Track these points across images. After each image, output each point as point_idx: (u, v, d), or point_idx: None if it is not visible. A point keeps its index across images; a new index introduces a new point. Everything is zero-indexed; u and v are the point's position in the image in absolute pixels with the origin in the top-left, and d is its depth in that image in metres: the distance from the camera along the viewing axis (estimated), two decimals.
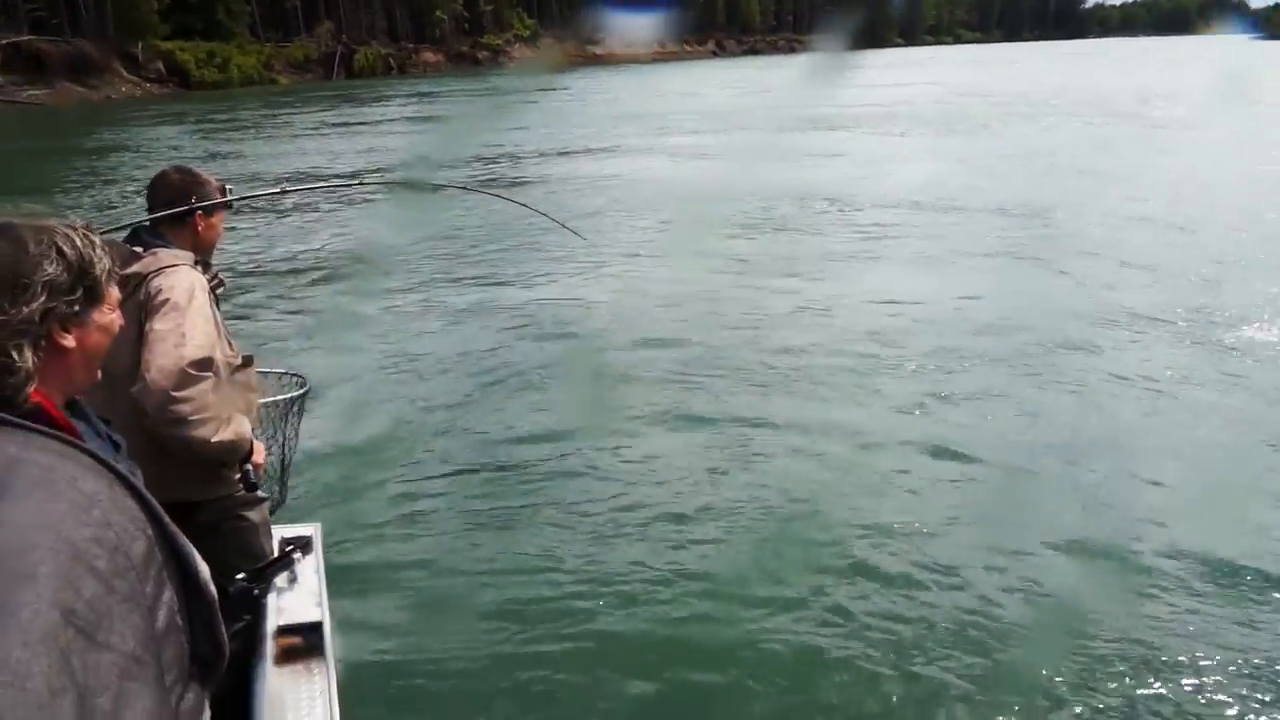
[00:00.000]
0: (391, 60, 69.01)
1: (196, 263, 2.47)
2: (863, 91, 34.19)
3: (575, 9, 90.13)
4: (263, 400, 2.89)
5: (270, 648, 2.32)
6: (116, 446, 1.32)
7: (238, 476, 2.40)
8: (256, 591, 2.31)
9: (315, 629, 2.38)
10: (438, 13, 76.10)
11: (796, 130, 23.46)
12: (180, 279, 2.34)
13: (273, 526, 2.76)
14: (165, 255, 2.40)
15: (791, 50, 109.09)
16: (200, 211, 2.54)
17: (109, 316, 1.23)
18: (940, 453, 5.30)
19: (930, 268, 9.67)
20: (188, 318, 2.26)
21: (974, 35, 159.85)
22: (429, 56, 73.13)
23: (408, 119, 31.36)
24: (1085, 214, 12.08)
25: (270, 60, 61.13)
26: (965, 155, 18.36)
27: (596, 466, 5.24)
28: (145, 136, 28.36)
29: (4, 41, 43.94)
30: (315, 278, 10.18)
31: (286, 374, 3.30)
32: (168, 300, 2.28)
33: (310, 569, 2.59)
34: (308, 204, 14.36)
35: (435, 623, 3.79)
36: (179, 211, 2.52)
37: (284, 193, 3.52)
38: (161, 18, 55.39)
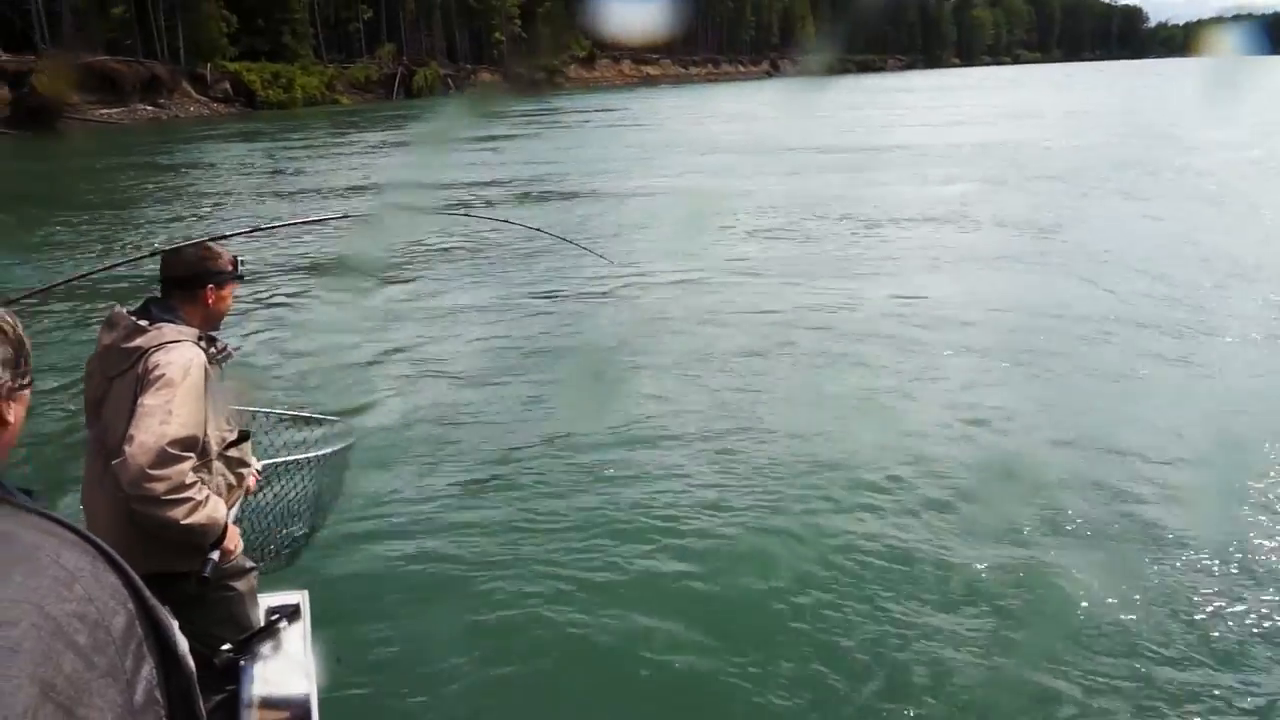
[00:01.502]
0: (450, 80, 70.20)
1: (201, 338, 2.49)
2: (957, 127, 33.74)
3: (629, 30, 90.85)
4: (302, 455, 2.94)
5: None
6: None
7: (204, 562, 2.36)
8: (242, 663, 2.32)
9: (302, 703, 2.33)
10: (496, 34, 77.30)
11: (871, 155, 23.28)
12: (179, 355, 2.36)
13: (259, 595, 2.71)
14: (169, 331, 2.42)
15: (845, 71, 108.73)
16: (212, 285, 2.57)
17: (28, 398, 1.23)
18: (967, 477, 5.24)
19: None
20: (178, 396, 2.30)
21: (1033, 55, 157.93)
22: (486, 76, 74.27)
23: (468, 140, 31.77)
24: None
25: (333, 81, 62.54)
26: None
27: (601, 518, 4.96)
28: (215, 154, 29.15)
29: (80, 62, 45.51)
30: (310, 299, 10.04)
31: (325, 419, 3.30)
32: (162, 376, 2.31)
33: (297, 638, 2.54)
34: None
35: (430, 696, 3.61)
36: (189, 283, 2.55)
37: (304, 223, 3.55)
38: (230, 40, 57.08)
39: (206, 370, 2.43)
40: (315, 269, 11.64)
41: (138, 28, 52.47)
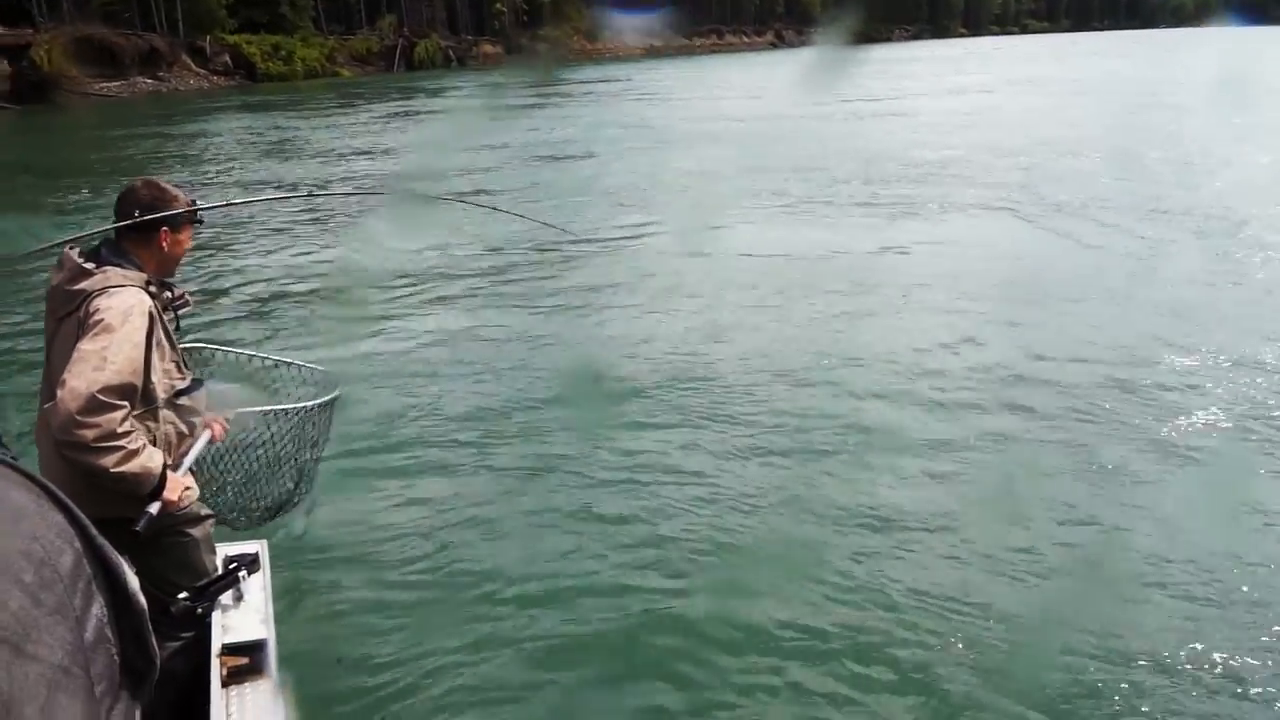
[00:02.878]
0: (451, 53, 69.55)
1: (149, 283, 2.43)
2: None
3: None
4: (284, 405, 2.84)
5: (216, 667, 2.31)
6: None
7: (141, 514, 2.31)
8: (200, 610, 2.31)
9: (261, 648, 2.36)
10: (497, 5, 76.57)
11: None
12: (120, 300, 2.31)
13: (217, 544, 2.71)
14: (115, 274, 2.37)
15: (854, 42, 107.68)
16: (166, 227, 2.51)
17: None
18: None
19: None
20: (114, 341, 2.25)
21: (1041, 25, 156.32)
22: (488, 49, 73.58)
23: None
24: None
25: (333, 53, 61.99)
26: None
27: (565, 474, 5.02)
28: (217, 125, 28.98)
29: (78, 35, 45.14)
30: (298, 284, 9.92)
31: (306, 367, 3.15)
32: (101, 321, 2.27)
33: (257, 587, 2.56)
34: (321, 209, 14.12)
35: (386, 641, 3.65)
36: (144, 223, 2.47)
37: (303, 196, 3.44)
38: (228, 12, 56.57)
39: (154, 315, 2.38)
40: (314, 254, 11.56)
41: (135, 0, 51.99)
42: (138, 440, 2.28)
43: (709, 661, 3.55)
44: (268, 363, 3.09)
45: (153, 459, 2.32)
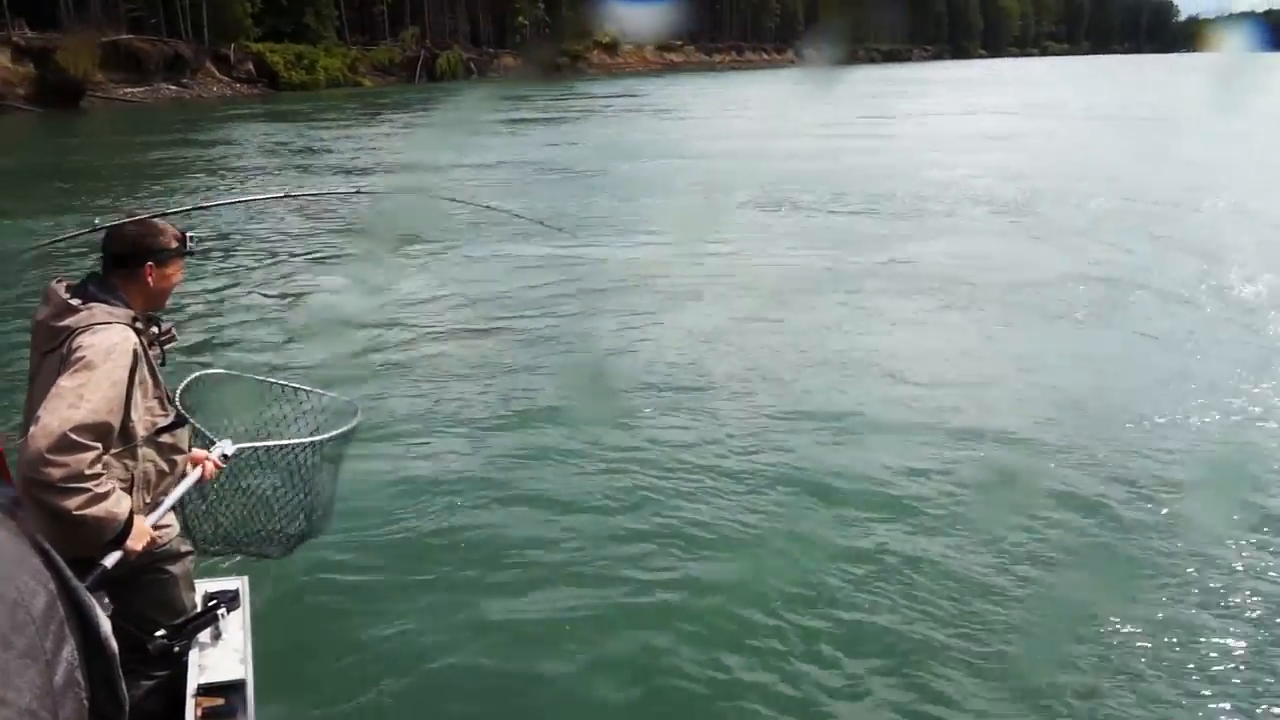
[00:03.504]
0: (472, 64, 70.12)
1: (136, 319, 2.39)
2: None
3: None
4: (289, 440, 2.68)
5: (191, 708, 2.25)
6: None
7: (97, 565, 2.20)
8: (176, 648, 2.26)
9: (238, 688, 2.31)
10: (519, 18, 77.15)
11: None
12: (104, 338, 2.28)
13: (198, 580, 2.64)
14: (99, 312, 2.33)
15: (871, 61, 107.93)
16: (152, 263, 2.46)
17: None
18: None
19: None
20: (93, 379, 2.21)
21: (1061, 47, 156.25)
22: (509, 61, 74.14)
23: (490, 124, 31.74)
24: None
25: (355, 63, 62.59)
26: None
27: (542, 517, 4.80)
28: (238, 132, 29.25)
29: (104, 40, 45.72)
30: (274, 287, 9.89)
31: (326, 395, 2.95)
32: (83, 358, 2.23)
33: (236, 625, 2.49)
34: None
35: (371, 685, 3.53)
36: (129, 257, 2.44)
37: (286, 196, 3.36)
38: (254, 21, 57.21)
39: (138, 353, 2.34)
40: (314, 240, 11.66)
41: (161, 6, 52.58)
42: (106, 484, 2.21)
43: (696, 655, 3.57)
44: (286, 390, 2.92)
45: (119, 504, 2.24)
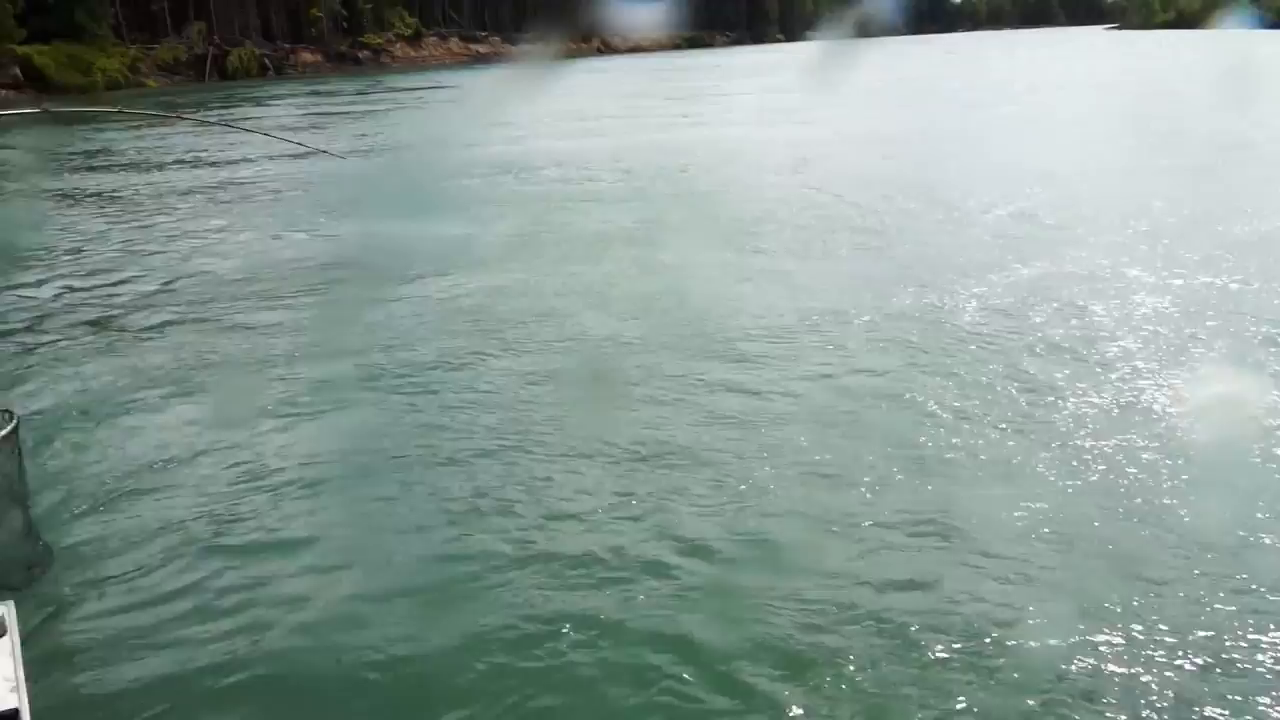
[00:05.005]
0: (268, 61, 67.18)
1: None
2: None
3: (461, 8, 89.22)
4: None
5: None
6: None
7: None
8: None
9: (12, 719, 2.18)
10: (314, 11, 74.43)
11: None
12: None
13: None
14: None
15: (676, 48, 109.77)
16: None
17: None
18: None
19: None
20: None
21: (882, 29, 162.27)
22: (307, 57, 71.34)
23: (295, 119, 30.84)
24: None
25: (136, 63, 58.88)
26: None
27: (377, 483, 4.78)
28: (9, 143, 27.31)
29: None
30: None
31: None
32: None
33: (4, 652, 2.34)
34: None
35: (156, 705, 3.30)
36: None
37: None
38: (18, 22, 52.85)
39: None
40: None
41: None
42: None
43: (680, 655, 3.59)
44: None
45: None
